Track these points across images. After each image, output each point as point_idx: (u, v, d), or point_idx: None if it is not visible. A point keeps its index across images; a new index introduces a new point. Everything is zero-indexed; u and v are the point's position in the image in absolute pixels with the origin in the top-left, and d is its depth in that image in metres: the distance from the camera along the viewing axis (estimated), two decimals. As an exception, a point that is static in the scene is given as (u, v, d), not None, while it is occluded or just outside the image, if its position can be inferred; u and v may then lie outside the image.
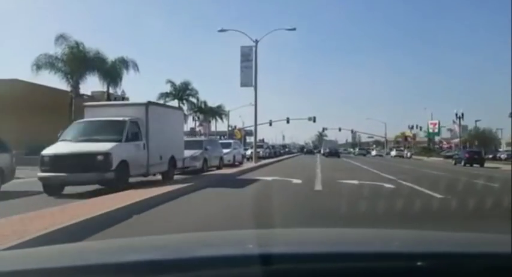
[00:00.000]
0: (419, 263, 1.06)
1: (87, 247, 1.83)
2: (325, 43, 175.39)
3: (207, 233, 2.69)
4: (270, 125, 68.56)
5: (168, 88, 47.42)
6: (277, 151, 47.41)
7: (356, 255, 1.23)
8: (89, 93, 36.08)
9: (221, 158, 19.36)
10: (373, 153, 71.16)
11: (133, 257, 1.28)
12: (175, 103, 47.19)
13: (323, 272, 1.04)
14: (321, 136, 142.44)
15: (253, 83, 23.87)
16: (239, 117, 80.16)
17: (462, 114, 41.45)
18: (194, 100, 51.56)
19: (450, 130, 42.98)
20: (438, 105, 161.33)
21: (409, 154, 72.29)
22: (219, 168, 18.51)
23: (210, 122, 66.83)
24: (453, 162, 34.46)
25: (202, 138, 29.50)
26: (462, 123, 42.23)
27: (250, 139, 70.85)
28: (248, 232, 2.56)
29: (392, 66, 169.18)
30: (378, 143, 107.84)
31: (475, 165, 30.46)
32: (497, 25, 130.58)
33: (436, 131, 65.90)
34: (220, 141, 23.47)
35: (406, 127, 78.70)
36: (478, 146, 51.17)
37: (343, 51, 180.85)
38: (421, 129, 69.21)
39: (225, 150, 21.04)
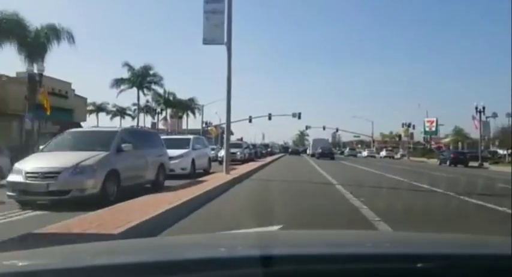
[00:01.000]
0: (420, 265, 1.06)
1: (89, 248, 1.71)
2: (306, 38, 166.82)
3: (207, 235, 2.71)
4: (250, 121, 60.83)
5: (124, 73, 38.34)
6: (259, 152, 39.14)
7: (357, 256, 1.22)
8: (13, 74, 27.10)
9: (160, 166, 10.41)
10: (365, 153, 63.99)
11: (134, 258, 1.27)
12: (133, 92, 38.53)
13: (324, 274, 1.05)
14: (302, 135, 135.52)
15: (225, 39, 13.37)
16: (215, 113, 71.36)
17: (483, 108, 34.37)
18: (159, 89, 42.56)
19: (476, 124, 35.64)
20: (432, 102, 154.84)
21: (398, 155, 66.26)
22: (155, 184, 9.97)
23: (180, 117, 58.30)
24: (438, 162, 36.11)
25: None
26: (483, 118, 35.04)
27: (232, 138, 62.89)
28: (249, 233, 2.61)
29: (380, 61, 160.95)
30: (362, 143, 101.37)
31: (459, 165, 31.96)
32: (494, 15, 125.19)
33: (434, 129, 59.39)
34: (166, 137, 15.17)
35: (395, 126, 72.08)
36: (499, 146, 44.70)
37: (326, 47, 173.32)
38: (414, 128, 62.54)
39: (176, 152, 12.79)
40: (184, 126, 59.62)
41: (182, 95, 54.48)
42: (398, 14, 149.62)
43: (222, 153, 25.67)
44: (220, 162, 25.45)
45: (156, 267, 1.08)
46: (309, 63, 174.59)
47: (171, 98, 49.11)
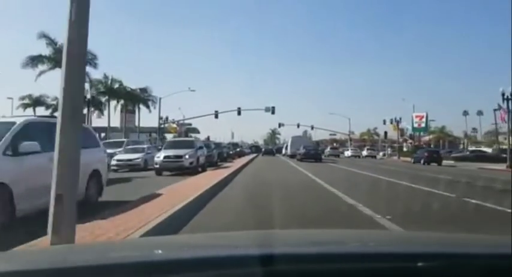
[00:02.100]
0: (420, 264, 1.05)
1: (87, 248, 1.81)
2: (279, 31, 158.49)
3: (207, 234, 2.66)
4: (216, 117, 52.06)
5: (42, 48, 28.53)
6: (225, 153, 30.45)
7: (357, 255, 1.21)
8: None
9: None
10: (348, 153, 56.44)
11: (134, 258, 1.27)
12: (56, 72, 28.77)
13: (324, 273, 1.05)
14: (273, 134, 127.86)
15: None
16: (178, 109, 61.30)
17: (512, 95, 27.25)
18: (93, 71, 33.06)
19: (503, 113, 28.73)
20: (419, 98, 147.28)
21: (380, 154, 59.60)
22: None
23: (130, 111, 48.87)
24: (412, 160, 35.86)
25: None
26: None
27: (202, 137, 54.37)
28: (249, 233, 2.49)
29: (357, 54, 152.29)
30: (335, 142, 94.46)
31: (432, 163, 31.74)
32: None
33: (423, 125, 52.76)
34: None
35: (373, 123, 64.55)
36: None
37: (299, 41, 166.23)
38: (399, 123, 55.75)
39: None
40: (138, 122, 50.43)
41: (134, 84, 45.29)
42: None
43: (121, 156, 17.83)
44: (158, 171, 16.85)
45: (155, 267, 1.07)
46: (282, 59, 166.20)
47: (114, 86, 39.48)
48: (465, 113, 78.13)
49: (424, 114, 52.86)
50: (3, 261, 1.25)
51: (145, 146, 22.65)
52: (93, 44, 41.55)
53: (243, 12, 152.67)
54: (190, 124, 53.57)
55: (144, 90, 46.81)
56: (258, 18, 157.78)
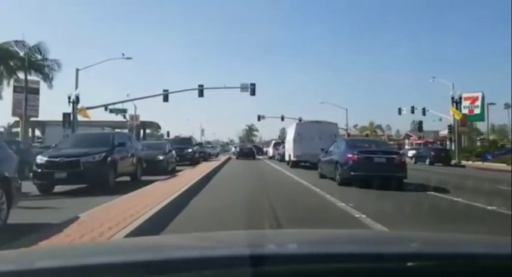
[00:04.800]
0: (417, 263, 1.04)
1: (78, 248, 1.82)
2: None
3: (196, 234, 2.66)
4: (166, 100, 33.21)
5: None
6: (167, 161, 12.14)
7: (348, 255, 1.18)
8: None
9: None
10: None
11: (123, 258, 1.25)
12: None
13: (315, 273, 1.02)
14: (250, 130, 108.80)
15: None
16: (127, 96, 40.97)
17: None
18: None
19: None
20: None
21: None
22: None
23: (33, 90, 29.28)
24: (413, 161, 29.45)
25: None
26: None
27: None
28: (239, 233, 2.42)
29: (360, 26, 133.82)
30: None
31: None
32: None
33: (478, 111, 35.43)
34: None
35: (374, 115, 45.80)
36: None
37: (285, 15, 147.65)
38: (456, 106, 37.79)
39: None
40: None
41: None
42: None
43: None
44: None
45: (144, 267, 1.04)
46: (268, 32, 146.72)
47: None
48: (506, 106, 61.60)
49: (479, 95, 35.71)
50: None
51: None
52: None
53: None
54: (125, 110, 34.39)
55: (36, 48, 27.30)
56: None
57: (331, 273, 1.03)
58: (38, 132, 44.46)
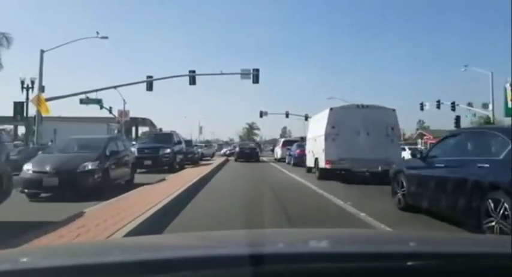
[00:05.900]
0: (417, 263, 1.03)
1: (77, 247, 1.80)
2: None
3: (196, 233, 2.60)
4: (150, 89, 28.07)
5: None
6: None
7: (348, 255, 1.17)
8: None
9: None
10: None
11: (122, 257, 1.25)
12: None
13: (315, 272, 1.02)
14: (251, 129, 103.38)
15: None
16: (114, 88, 35.57)
17: None
18: None
19: None
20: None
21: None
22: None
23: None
24: None
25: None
26: None
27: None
28: (238, 232, 2.38)
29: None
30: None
31: None
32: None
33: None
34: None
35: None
36: None
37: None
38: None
39: None
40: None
41: None
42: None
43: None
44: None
45: (144, 266, 1.04)
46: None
47: None
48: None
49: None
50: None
51: None
52: None
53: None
54: (100, 100, 28.93)
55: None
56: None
57: (331, 273, 1.02)
58: None
